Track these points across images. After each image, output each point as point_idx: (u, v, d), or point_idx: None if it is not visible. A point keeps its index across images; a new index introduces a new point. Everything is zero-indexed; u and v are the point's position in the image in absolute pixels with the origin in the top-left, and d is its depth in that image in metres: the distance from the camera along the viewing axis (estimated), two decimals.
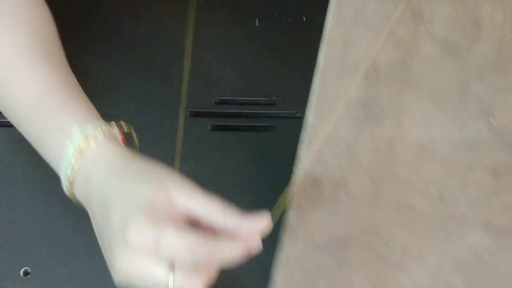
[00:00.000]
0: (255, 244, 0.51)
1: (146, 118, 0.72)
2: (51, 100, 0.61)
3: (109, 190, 0.55)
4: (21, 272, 0.66)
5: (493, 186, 0.64)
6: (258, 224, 0.52)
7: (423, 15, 0.67)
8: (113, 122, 0.60)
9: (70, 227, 0.68)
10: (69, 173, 0.57)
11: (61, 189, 0.62)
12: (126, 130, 0.61)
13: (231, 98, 0.76)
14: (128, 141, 0.62)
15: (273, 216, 0.54)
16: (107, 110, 0.69)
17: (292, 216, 0.65)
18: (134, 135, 0.62)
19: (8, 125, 0.68)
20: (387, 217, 0.64)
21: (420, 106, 0.66)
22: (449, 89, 0.66)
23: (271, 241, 0.65)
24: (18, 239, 0.67)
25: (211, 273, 0.53)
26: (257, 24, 0.80)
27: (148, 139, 0.69)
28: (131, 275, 0.51)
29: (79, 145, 0.57)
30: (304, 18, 0.80)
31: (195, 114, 0.75)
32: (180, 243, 0.50)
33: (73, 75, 0.65)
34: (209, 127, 0.74)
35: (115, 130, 0.60)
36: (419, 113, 0.66)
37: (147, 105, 0.74)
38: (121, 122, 0.61)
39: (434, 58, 0.66)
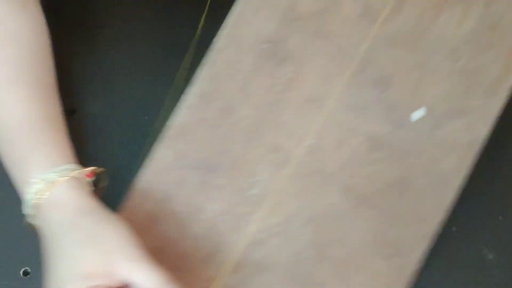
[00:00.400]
0: None
1: (146, 118, 0.72)
2: (27, 136, 0.62)
3: (55, 247, 0.58)
4: (21, 272, 0.67)
5: (365, 154, 0.66)
6: None
7: None
8: (80, 169, 0.61)
9: None
10: (29, 211, 0.60)
11: None
12: (96, 172, 0.64)
13: None
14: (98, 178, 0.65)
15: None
16: (107, 110, 0.73)
17: (172, 127, 0.67)
18: (103, 179, 0.65)
19: None
20: (258, 154, 0.66)
21: (323, 60, 0.67)
22: (354, 51, 0.66)
23: None
24: (18, 239, 0.67)
25: None
26: None
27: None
28: None
29: (40, 191, 0.59)
30: None
31: None
32: None
33: (57, 102, 0.65)
34: None
35: (82, 175, 0.62)
36: (320, 65, 0.67)
37: (147, 105, 0.73)
38: (94, 168, 0.63)
39: (350, 19, 0.67)
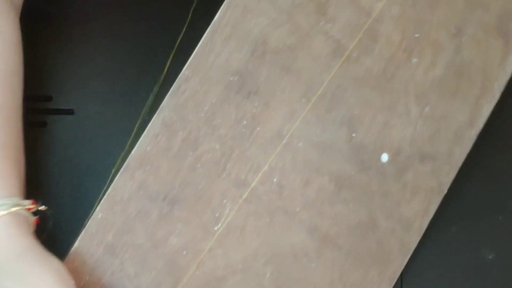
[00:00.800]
0: None
1: (146, 118, 0.71)
2: None
3: None
4: None
5: (331, 195, 0.65)
6: None
7: (327, 11, 0.67)
8: (22, 203, 0.60)
9: (70, 227, 0.68)
10: None
11: (61, 189, 0.69)
12: (38, 209, 0.63)
13: None
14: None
15: None
16: (106, 111, 0.72)
17: (134, 156, 0.65)
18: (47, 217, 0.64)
19: None
20: (225, 190, 0.65)
21: (292, 95, 0.66)
22: (325, 89, 0.66)
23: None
24: None
25: None
26: None
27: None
28: None
29: None
30: None
31: None
32: None
33: (17, 125, 0.63)
34: None
35: (22, 210, 0.60)
36: (289, 101, 0.66)
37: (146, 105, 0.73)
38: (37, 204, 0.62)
39: (321, 56, 0.66)
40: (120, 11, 0.76)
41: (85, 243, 0.64)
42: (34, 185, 0.68)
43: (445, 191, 0.66)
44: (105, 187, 0.66)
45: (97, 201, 0.65)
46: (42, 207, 0.64)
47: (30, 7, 0.71)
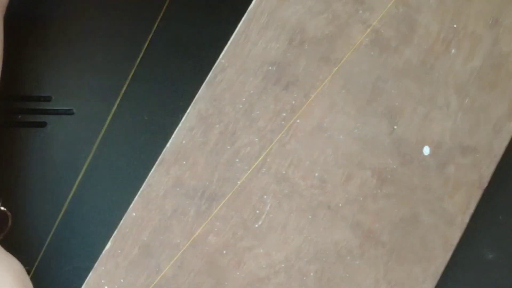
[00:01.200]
0: None
1: (146, 118, 0.71)
2: None
3: None
4: None
5: (374, 189, 0.63)
6: None
7: (365, 0, 0.65)
8: None
9: (70, 227, 0.68)
10: None
11: (61, 189, 0.69)
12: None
13: None
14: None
15: None
16: (106, 110, 0.71)
17: (169, 151, 0.61)
18: (9, 221, 0.65)
19: (8, 125, 0.70)
20: (265, 185, 0.61)
21: (331, 87, 0.63)
22: (364, 80, 0.64)
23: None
24: (18, 239, 0.67)
25: None
26: None
27: (148, 139, 0.70)
28: None
29: None
30: None
31: None
32: None
33: None
34: None
35: None
36: (328, 93, 0.63)
37: (147, 105, 0.72)
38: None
39: (361, 46, 0.64)
40: (120, 10, 0.75)
41: (118, 244, 0.59)
42: (34, 185, 0.69)
43: (486, 184, 0.65)
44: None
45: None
46: (2, 209, 0.64)
47: (29, 8, 0.72)
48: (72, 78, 0.72)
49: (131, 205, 0.60)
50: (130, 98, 0.71)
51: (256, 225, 0.61)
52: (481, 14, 0.66)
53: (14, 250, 0.63)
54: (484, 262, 0.70)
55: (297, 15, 0.64)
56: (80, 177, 0.69)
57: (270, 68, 0.63)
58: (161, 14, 0.73)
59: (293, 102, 0.63)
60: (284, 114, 0.62)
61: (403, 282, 0.62)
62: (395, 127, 0.64)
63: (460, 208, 0.64)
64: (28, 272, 0.63)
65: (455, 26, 0.66)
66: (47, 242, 0.67)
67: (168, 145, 0.61)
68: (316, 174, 0.62)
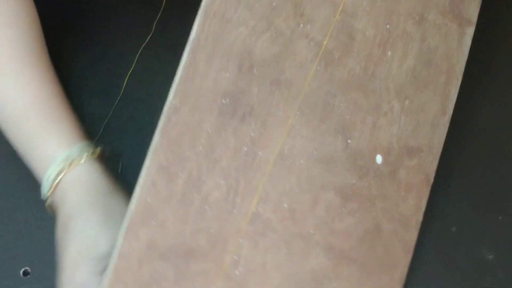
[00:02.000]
0: None
1: (146, 118, 0.71)
2: (39, 115, 0.61)
3: (72, 228, 0.58)
4: (21, 272, 0.66)
5: (338, 208, 0.62)
6: None
7: (304, 12, 0.61)
8: (93, 148, 0.62)
9: None
10: (48, 192, 0.60)
11: None
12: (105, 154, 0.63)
13: None
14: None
15: None
16: (106, 110, 0.72)
17: (135, 213, 0.55)
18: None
19: None
20: (238, 228, 0.58)
21: (286, 111, 0.60)
22: (315, 98, 0.61)
23: None
24: (18, 239, 0.67)
25: None
26: None
27: (148, 139, 0.64)
28: None
29: (61, 168, 0.59)
30: None
31: None
32: None
33: (59, 83, 0.64)
34: None
35: (96, 154, 0.62)
36: (285, 118, 0.60)
37: (147, 106, 0.72)
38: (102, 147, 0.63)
39: (307, 62, 0.61)
40: (120, 10, 0.76)
41: None
42: (33, 186, 0.66)
43: (432, 181, 0.66)
44: None
45: None
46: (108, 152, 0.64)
47: None
48: (72, 77, 0.72)
49: (106, 282, 0.53)
50: (130, 98, 0.71)
51: (237, 272, 0.57)
52: (408, 12, 0.66)
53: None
54: (484, 262, 0.71)
55: (241, 38, 0.59)
56: None
57: (224, 101, 0.58)
58: (159, 14, 0.75)
59: (252, 133, 0.59)
60: (246, 149, 0.58)
61: None
62: (348, 141, 0.62)
63: (414, 209, 0.65)
64: None
65: (388, 27, 0.65)
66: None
67: (132, 206, 0.55)
68: (285, 205, 0.60)
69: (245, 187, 0.58)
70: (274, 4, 0.60)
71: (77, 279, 0.56)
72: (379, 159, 0.64)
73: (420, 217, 0.66)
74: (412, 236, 0.65)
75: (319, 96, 0.61)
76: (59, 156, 0.59)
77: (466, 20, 0.68)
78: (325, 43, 0.62)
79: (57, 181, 0.59)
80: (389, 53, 0.65)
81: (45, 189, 0.60)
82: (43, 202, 0.62)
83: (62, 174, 0.59)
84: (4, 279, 0.65)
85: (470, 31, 0.68)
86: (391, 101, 0.65)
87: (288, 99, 0.60)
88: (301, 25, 0.61)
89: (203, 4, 0.57)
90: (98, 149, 0.62)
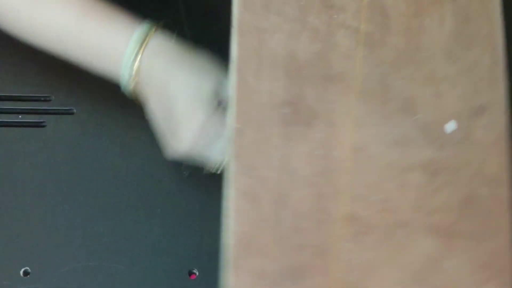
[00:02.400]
0: None
1: (146, 118, 0.70)
2: (100, 10, 0.64)
3: (170, 83, 0.63)
4: (21, 272, 0.66)
5: (428, 186, 0.59)
6: None
7: (333, 3, 0.60)
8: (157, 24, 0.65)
9: (70, 227, 0.68)
10: (133, 68, 0.63)
11: (61, 189, 0.69)
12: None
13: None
14: None
15: None
16: (105, 109, 0.73)
17: (234, 247, 0.52)
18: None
19: (8, 125, 0.72)
20: (337, 234, 0.55)
21: (347, 104, 0.58)
22: (371, 83, 0.59)
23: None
24: (18, 239, 0.68)
25: None
26: None
27: (148, 139, 0.69)
28: (195, 151, 0.63)
29: (142, 40, 0.63)
30: None
31: None
32: None
33: None
34: None
35: (160, 26, 0.65)
36: (347, 111, 0.58)
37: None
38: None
39: (351, 50, 0.59)
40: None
41: None
42: (33, 186, 0.70)
43: (507, 135, 0.64)
44: None
45: None
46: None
47: None
48: (72, 78, 0.73)
49: None
50: (130, 98, 0.70)
51: (351, 277, 0.55)
52: None
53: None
54: None
55: (281, 43, 0.57)
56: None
57: (284, 110, 0.56)
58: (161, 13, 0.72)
59: (321, 135, 0.57)
60: (319, 152, 0.56)
61: (491, 260, 0.60)
62: (416, 116, 0.60)
63: (499, 167, 0.63)
64: None
65: None
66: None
67: (230, 241, 0.52)
68: (376, 198, 0.57)
69: (332, 190, 0.56)
70: (302, 3, 0.59)
71: (195, 123, 0.62)
72: (450, 126, 0.62)
73: (507, 173, 0.63)
74: (506, 193, 0.63)
75: (374, 80, 0.59)
76: (131, 39, 0.63)
77: None
78: (362, 27, 0.60)
79: (138, 60, 0.63)
80: (427, 20, 0.63)
81: (126, 76, 0.64)
82: (44, 201, 0.67)
83: (141, 51, 0.63)
84: (4, 279, 0.66)
85: None
86: (444, 66, 0.63)
87: (345, 92, 0.58)
88: (334, 16, 0.59)
89: (234, 21, 0.56)
90: (160, 23, 0.65)
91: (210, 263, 0.66)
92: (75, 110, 0.73)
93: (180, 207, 0.69)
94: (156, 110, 0.64)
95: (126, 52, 0.63)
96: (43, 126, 0.72)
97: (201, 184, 0.70)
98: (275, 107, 0.56)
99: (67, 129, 0.72)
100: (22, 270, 0.66)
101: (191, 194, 0.70)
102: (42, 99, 0.72)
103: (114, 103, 0.73)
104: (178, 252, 0.67)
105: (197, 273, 0.66)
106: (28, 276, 0.66)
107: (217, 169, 0.65)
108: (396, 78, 0.60)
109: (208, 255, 0.67)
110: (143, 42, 0.63)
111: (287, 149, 0.55)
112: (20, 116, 0.73)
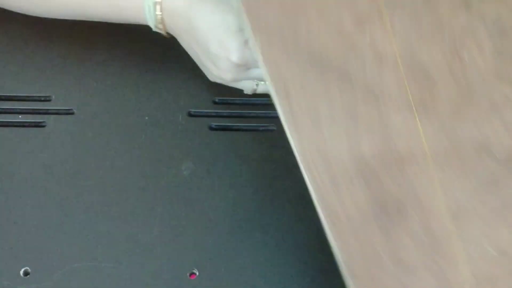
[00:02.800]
0: None
1: (146, 118, 0.73)
2: None
3: (198, 25, 0.68)
4: (21, 272, 0.67)
5: None
6: None
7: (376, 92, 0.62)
8: None
9: (70, 227, 0.69)
10: (156, 12, 0.69)
11: (61, 189, 0.70)
12: None
13: (231, 98, 0.77)
14: None
15: None
16: (105, 109, 0.74)
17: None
18: None
19: (8, 125, 0.73)
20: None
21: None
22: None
23: None
24: (18, 239, 0.68)
25: None
26: None
27: (148, 139, 0.72)
28: (232, 81, 0.72)
29: None
30: None
31: (194, 115, 0.76)
32: None
33: None
34: (208, 127, 0.75)
35: None
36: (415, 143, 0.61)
37: (147, 105, 0.75)
38: None
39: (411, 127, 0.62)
40: None
41: None
42: (33, 186, 0.71)
43: None
44: None
45: None
46: None
47: None
48: (72, 78, 0.75)
49: None
50: (130, 98, 0.73)
51: None
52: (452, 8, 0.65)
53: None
54: None
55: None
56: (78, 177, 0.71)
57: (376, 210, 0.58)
58: None
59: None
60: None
61: None
62: None
63: None
64: None
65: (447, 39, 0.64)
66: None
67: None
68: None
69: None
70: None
71: (233, 55, 0.68)
72: None
73: None
74: None
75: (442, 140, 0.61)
76: None
77: None
78: (410, 98, 0.62)
79: (158, 9, 0.68)
80: (465, 55, 0.64)
81: (152, 17, 0.69)
82: (44, 201, 0.69)
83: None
84: (4, 279, 0.67)
85: None
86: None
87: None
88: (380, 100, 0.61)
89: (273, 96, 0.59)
90: None
91: (210, 263, 0.67)
92: (75, 110, 0.74)
93: (180, 207, 0.70)
94: (190, 49, 0.71)
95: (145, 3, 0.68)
96: (43, 126, 0.73)
97: (201, 184, 0.70)
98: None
99: (67, 129, 0.73)
100: (22, 270, 0.67)
101: (191, 194, 0.70)
102: (42, 99, 0.73)
103: (114, 103, 0.74)
104: (178, 252, 0.68)
105: (197, 273, 0.67)
106: (28, 276, 0.67)
107: (254, 92, 0.73)
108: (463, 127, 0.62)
109: (208, 255, 0.67)
110: None
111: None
112: (20, 116, 0.74)
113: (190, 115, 0.76)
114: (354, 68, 0.61)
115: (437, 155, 0.60)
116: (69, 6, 0.71)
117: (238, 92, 0.75)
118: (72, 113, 0.74)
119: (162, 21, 0.69)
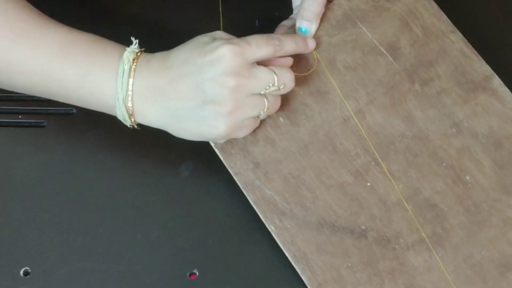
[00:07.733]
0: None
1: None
2: (83, 42, 0.65)
3: (181, 66, 0.64)
4: (21, 272, 0.67)
5: None
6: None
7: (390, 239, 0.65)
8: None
9: (70, 227, 0.69)
10: (125, 97, 0.64)
11: (61, 189, 0.71)
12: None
13: None
14: None
15: None
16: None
17: None
18: None
19: (8, 125, 0.74)
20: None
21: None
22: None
23: None
24: (18, 239, 0.68)
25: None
26: (257, 24, 0.80)
27: (149, 139, 0.71)
28: (233, 129, 0.64)
29: (133, 56, 0.64)
30: None
31: None
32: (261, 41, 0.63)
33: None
34: None
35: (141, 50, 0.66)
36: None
37: None
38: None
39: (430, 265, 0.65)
40: (121, 11, 0.79)
41: None
42: (33, 186, 0.71)
43: None
44: None
45: None
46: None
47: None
48: None
49: None
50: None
51: None
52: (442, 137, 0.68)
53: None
54: None
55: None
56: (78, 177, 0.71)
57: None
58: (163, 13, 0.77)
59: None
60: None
61: None
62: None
63: None
64: None
65: (444, 165, 0.67)
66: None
67: None
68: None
69: None
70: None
71: (222, 113, 0.63)
72: None
73: None
74: None
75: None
76: (123, 57, 0.64)
77: None
78: (424, 235, 0.64)
79: (131, 79, 0.63)
80: (467, 178, 0.66)
81: (120, 97, 0.64)
82: (44, 201, 0.69)
83: (134, 64, 0.64)
84: (4, 279, 0.67)
85: None
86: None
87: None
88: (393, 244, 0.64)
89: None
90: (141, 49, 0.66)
91: (210, 263, 0.67)
92: (75, 110, 0.73)
93: (180, 207, 0.70)
94: (171, 122, 0.65)
95: (117, 80, 0.64)
96: (43, 126, 0.73)
97: (201, 184, 0.70)
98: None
99: (67, 129, 0.73)
100: (22, 270, 0.67)
101: (191, 194, 0.70)
102: (42, 99, 0.72)
103: None
104: (178, 252, 0.68)
105: (197, 273, 0.67)
106: (28, 276, 0.67)
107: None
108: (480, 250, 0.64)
109: (208, 255, 0.67)
110: (133, 58, 0.64)
111: None
112: (20, 116, 0.74)
113: None
114: (362, 219, 0.64)
115: (462, 283, 0.62)
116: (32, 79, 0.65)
117: None
118: (72, 113, 0.73)
119: (132, 93, 0.64)
